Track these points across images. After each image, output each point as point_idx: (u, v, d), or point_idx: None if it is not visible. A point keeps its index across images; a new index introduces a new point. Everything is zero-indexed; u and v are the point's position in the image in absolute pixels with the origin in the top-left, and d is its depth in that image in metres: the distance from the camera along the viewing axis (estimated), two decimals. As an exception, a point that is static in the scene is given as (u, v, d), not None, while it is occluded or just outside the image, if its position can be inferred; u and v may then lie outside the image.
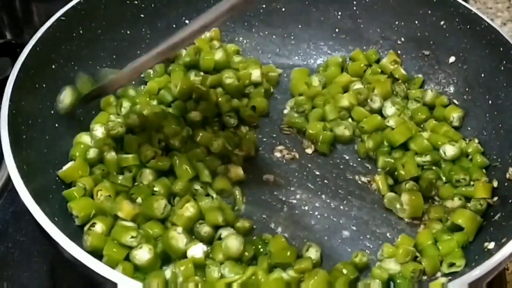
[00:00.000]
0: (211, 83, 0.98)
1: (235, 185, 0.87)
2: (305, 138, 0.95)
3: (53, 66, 0.87)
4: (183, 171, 0.84)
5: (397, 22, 1.03)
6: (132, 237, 0.75)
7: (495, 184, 0.86)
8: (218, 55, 1.01)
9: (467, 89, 0.97)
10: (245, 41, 1.09)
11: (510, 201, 0.81)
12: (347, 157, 0.94)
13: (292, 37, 1.09)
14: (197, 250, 0.76)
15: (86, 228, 0.77)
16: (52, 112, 0.86)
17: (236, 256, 0.76)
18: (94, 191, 0.81)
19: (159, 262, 0.76)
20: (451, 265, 0.77)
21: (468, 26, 0.94)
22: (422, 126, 0.96)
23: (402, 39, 1.04)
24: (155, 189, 0.82)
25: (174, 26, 1.04)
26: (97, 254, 0.73)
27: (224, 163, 0.89)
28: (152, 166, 0.84)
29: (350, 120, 0.97)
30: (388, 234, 0.84)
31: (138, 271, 0.74)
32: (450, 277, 0.76)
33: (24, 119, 0.79)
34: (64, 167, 0.83)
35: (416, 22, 1.02)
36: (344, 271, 0.77)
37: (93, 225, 0.77)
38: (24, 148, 0.76)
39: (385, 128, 0.94)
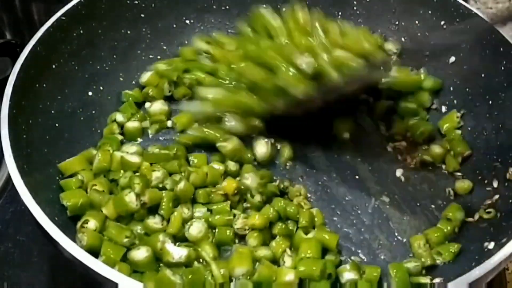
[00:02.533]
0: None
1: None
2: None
3: (53, 66, 0.87)
4: None
5: (397, 22, 1.03)
6: (127, 237, 0.76)
7: (495, 184, 0.86)
8: None
9: (467, 89, 0.97)
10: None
11: (510, 201, 0.81)
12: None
13: (292, 37, 1.09)
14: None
15: (78, 225, 0.76)
16: (52, 112, 0.86)
17: None
18: (89, 185, 0.82)
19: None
20: (439, 254, 0.80)
21: (468, 26, 0.94)
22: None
23: (402, 39, 1.04)
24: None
25: (174, 26, 1.05)
26: (93, 252, 0.72)
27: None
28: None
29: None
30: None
31: (136, 272, 0.75)
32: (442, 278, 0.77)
33: (24, 119, 0.79)
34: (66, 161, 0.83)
35: (416, 22, 1.02)
36: None
37: (86, 222, 0.77)
38: (24, 148, 0.76)
39: None
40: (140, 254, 0.75)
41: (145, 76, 1.00)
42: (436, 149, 0.93)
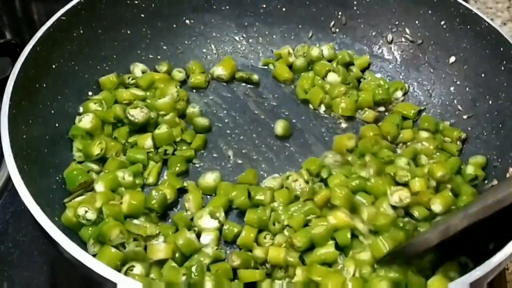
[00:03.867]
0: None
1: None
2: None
3: (53, 66, 0.87)
4: None
5: (397, 22, 1.03)
6: (184, 274, 0.74)
7: (495, 184, 0.86)
8: None
9: (467, 89, 0.97)
10: (244, 41, 1.09)
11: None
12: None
13: (292, 37, 1.09)
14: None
15: (122, 272, 0.73)
16: (52, 112, 0.86)
17: None
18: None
19: None
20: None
21: (468, 26, 0.94)
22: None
23: (402, 39, 1.04)
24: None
25: (174, 26, 1.05)
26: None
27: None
28: None
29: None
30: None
31: None
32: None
33: (24, 119, 0.79)
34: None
35: (416, 22, 1.02)
36: None
37: (131, 268, 0.74)
38: (24, 148, 0.76)
39: None
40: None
41: (85, 121, 0.88)
42: (423, 133, 0.94)
